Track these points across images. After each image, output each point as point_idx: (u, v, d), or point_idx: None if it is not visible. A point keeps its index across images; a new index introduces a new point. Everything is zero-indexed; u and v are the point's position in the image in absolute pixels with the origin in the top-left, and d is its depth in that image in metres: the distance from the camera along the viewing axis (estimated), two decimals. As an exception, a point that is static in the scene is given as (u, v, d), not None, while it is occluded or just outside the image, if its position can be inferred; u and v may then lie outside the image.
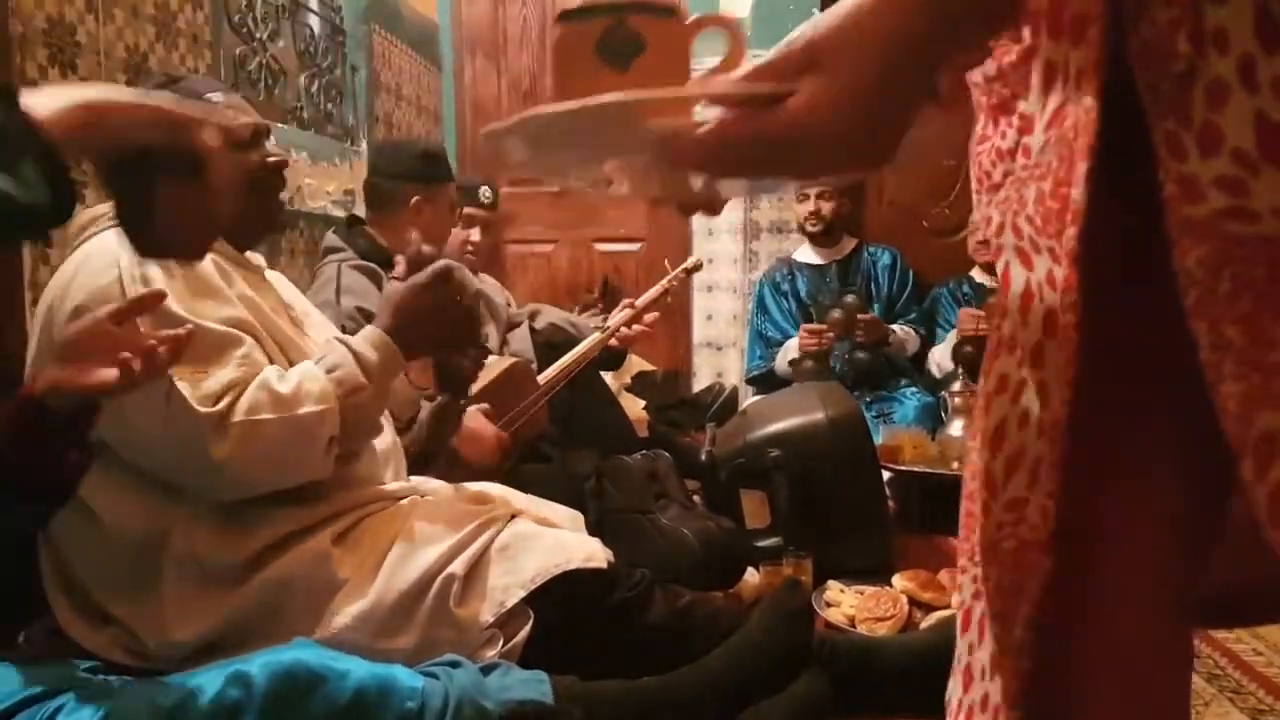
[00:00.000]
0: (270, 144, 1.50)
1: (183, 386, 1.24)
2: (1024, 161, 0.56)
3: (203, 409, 1.24)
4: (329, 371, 1.35)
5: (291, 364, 1.40)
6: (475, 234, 2.79)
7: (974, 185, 0.62)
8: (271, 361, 1.38)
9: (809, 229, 3.48)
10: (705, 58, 0.59)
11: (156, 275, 1.29)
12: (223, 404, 1.26)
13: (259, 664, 1.03)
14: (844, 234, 3.53)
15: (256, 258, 1.57)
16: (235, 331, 1.33)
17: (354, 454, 1.47)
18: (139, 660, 1.30)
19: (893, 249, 3.56)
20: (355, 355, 1.38)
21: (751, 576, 1.98)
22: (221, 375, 1.28)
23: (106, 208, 1.40)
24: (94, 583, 1.35)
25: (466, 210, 2.64)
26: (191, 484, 1.31)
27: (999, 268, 0.57)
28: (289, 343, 1.44)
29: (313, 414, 1.31)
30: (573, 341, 2.51)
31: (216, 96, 1.44)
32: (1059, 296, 0.50)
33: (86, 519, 1.33)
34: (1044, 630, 0.54)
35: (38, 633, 1.38)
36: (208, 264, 1.35)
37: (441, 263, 1.46)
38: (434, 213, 2.30)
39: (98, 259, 1.31)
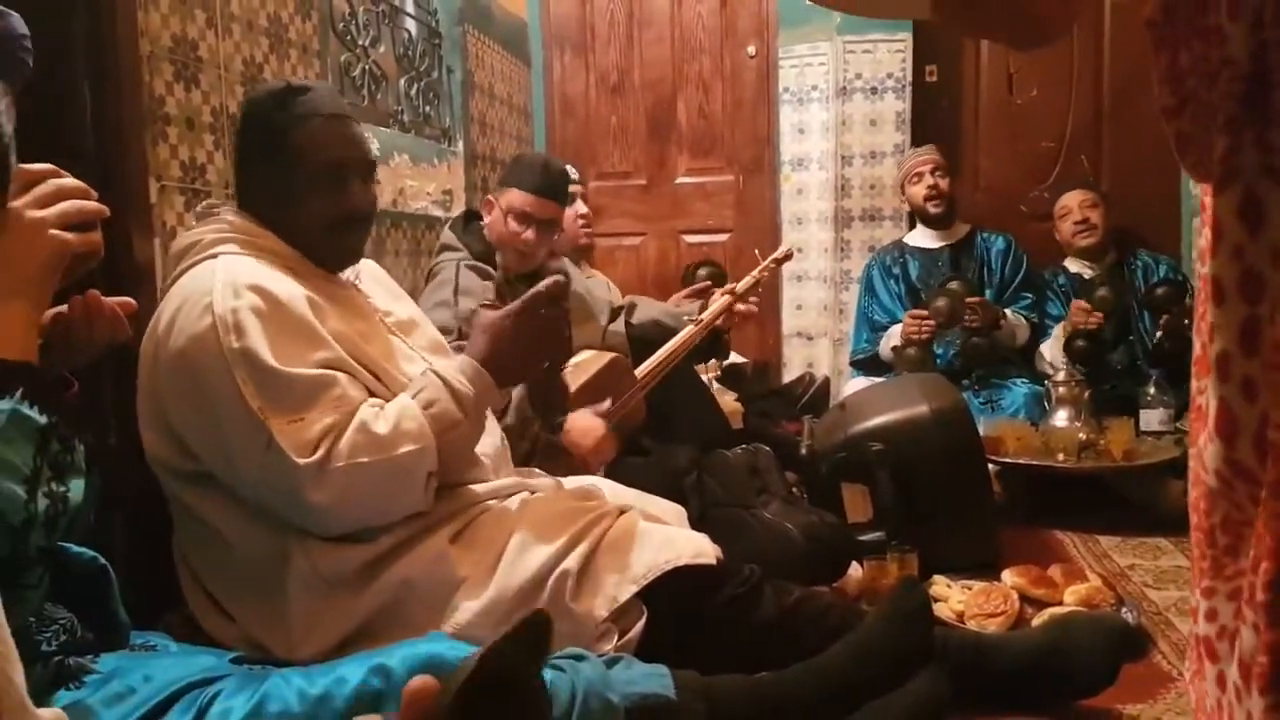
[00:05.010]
0: (375, 186, 1.55)
1: (281, 438, 1.27)
2: None
3: (300, 459, 1.27)
4: (425, 408, 1.35)
5: (388, 390, 1.42)
6: (582, 207, 2.79)
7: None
8: (370, 392, 1.39)
9: (931, 210, 3.37)
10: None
11: (250, 321, 1.30)
12: (320, 452, 1.28)
13: (399, 657, 1.08)
14: (956, 219, 3.45)
15: (362, 265, 1.60)
16: (329, 373, 1.34)
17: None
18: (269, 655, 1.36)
19: (1007, 235, 3.44)
20: (451, 390, 1.37)
21: (855, 571, 1.98)
22: (318, 421, 1.29)
23: (203, 231, 1.44)
24: (224, 598, 1.42)
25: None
26: (295, 523, 1.34)
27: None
28: (384, 372, 1.44)
29: (411, 453, 1.32)
30: (667, 334, 2.51)
31: (329, 99, 1.51)
32: None
33: (214, 540, 1.39)
34: None
35: (177, 620, 1.46)
36: (301, 301, 1.37)
37: (539, 286, 1.41)
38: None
39: (193, 302, 1.33)
